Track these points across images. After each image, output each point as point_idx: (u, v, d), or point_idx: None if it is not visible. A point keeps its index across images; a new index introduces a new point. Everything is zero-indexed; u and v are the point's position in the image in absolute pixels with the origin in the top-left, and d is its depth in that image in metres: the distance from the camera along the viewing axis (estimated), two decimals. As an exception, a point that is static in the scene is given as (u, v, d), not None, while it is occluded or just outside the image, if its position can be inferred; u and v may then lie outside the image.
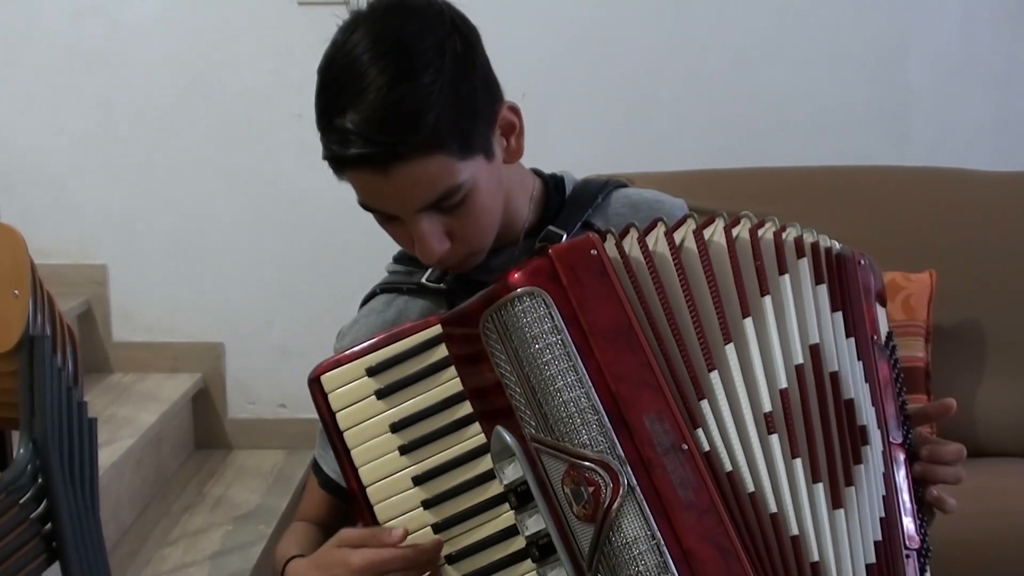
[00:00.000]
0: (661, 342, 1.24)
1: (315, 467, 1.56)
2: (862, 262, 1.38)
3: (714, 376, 1.25)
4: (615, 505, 1.18)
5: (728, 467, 1.23)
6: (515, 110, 1.41)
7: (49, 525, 1.92)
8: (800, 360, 1.28)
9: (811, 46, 3.54)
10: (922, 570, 1.34)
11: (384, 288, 1.55)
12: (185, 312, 3.74)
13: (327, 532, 1.52)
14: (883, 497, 1.30)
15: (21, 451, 1.91)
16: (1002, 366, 2.81)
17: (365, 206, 1.37)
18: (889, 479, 1.32)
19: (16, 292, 1.93)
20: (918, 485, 1.38)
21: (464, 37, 1.35)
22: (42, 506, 1.92)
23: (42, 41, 3.61)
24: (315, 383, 1.32)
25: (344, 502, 1.54)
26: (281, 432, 3.72)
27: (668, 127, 3.54)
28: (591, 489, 1.18)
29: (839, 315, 1.32)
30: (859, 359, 1.33)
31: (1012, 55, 3.55)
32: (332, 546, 1.32)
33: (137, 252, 3.71)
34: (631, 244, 1.28)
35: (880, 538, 1.28)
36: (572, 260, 1.25)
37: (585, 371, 1.21)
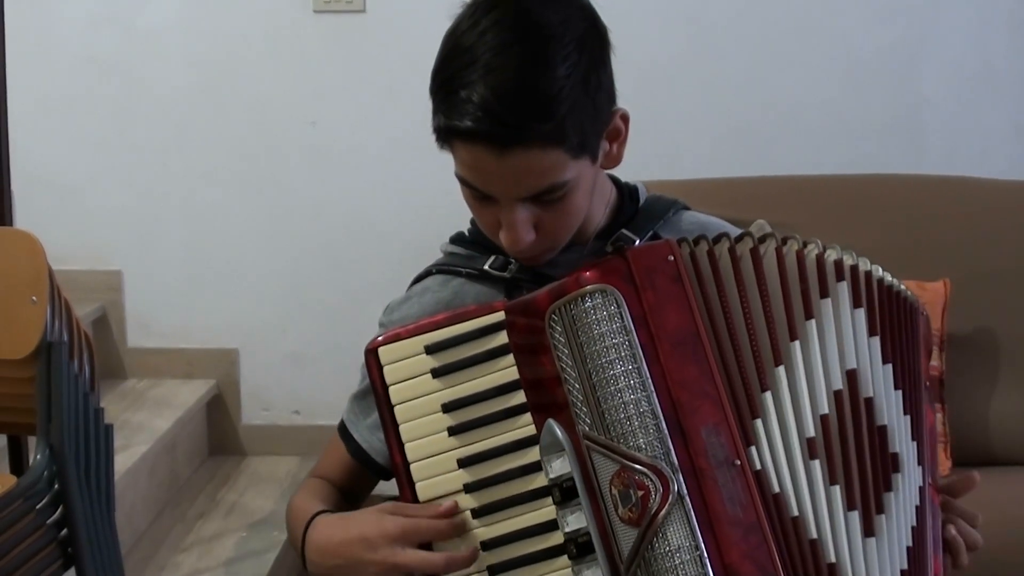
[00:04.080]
0: (723, 355, 1.25)
1: (343, 432, 1.54)
2: (924, 313, 1.38)
3: (767, 396, 1.25)
4: (663, 511, 1.18)
5: (776, 489, 1.23)
6: (626, 119, 1.40)
7: (65, 531, 1.93)
8: (839, 386, 1.28)
9: (826, 55, 3.54)
10: None
11: (440, 269, 1.52)
12: (199, 318, 3.75)
13: (344, 494, 1.51)
14: (912, 528, 1.30)
15: (38, 457, 1.91)
16: (1016, 375, 2.80)
17: (463, 180, 1.34)
18: (923, 514, 1.31)
19: (34, 298, 1.94)
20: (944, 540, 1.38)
21: (601, 37, 1.34)
22: (58, 512, 1.93)
23: (58, 49, 3.62)
24: (372, 354, 1.32)
25: (373, 475, 1.52)
26: (295, 438, 3.73)
27: (683, 136, 3.54)
28: (640, 493, 1.18)
29: (876, 340, 1.31)
30: (902, 395, 1.32)
31: (1027, 64, 3.55)
32: (373, 510, 1.32)
33: (152, 258, 3.72)
34: (702, 254, 1.29)
35: (907, 567, 1.28)
36: (648, 263, 1.25)
37: (649, 374, 1.21)
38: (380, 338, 1.33)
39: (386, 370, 1.32)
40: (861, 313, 1.31)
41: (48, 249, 2.02)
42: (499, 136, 1.25)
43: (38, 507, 1.90)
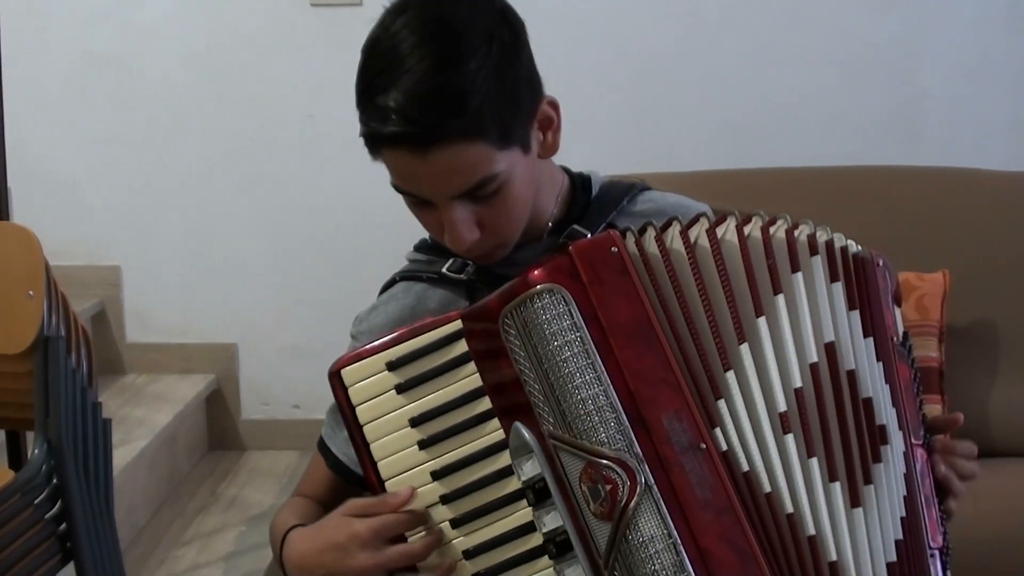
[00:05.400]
0: (679, 341, 1.24)
1: (322, 447, 1.56)
2: (880, 263, 1.38)
3: (730, 376, 1.24)
4: (632, 503, 1.18)
5: (745, 467, 1.22)
6: (555, 106, 1.41)
7: (64, 525, 1.93)
8: (815, 359, 1.27)
9: (825, 47, 3.54)
10: (944, 569, 1.34)
11: (404, 276, 1.55)
12: (198, 313, 3.75)
13: (328, 510, 1.51)
14: (904, 497, 1.30)
15: (36, 451, 1.91)
16: (1016, 366, 2.80)
17: (398, 188, 1.37)
18: (911, 479, 1.31)
19: (31, 293, 1.94)
20: (936, 480, 1.39)
21: (512, 27, 1.35)
22: (57, 506, 1.93)
23: (56, 44, 3.62)
24: (335, 376, 1.33)
25: (353, 485, 1.53)
26: (294, 433, 3.73)
27: (681, 128, 3.54)
28: (608, 487, 1.18)
29: (856, 314, 1.31)
30: (879, 359, 1.32)
31: (1025, 55, 3.55)
32: (338, 514, 1.33)
33: (150, 253, 3.71)
34: (649, 242, 1.28)
35: (901, 537, 1.28)
36: (592, 257, 1.25)
37: (604, 369, 1.21)
38: (342, 359, 1.34)
39: (351, 391, 1.32)
40: (839, 287, 1.30)
41: (46, 245, 2.02)
42: (418, 137, 1.27)
43: (36, 501, 1.90)
